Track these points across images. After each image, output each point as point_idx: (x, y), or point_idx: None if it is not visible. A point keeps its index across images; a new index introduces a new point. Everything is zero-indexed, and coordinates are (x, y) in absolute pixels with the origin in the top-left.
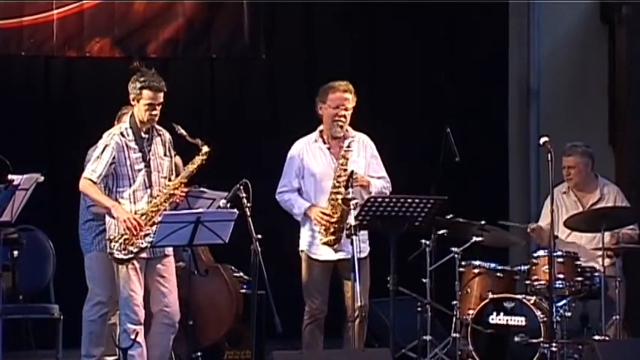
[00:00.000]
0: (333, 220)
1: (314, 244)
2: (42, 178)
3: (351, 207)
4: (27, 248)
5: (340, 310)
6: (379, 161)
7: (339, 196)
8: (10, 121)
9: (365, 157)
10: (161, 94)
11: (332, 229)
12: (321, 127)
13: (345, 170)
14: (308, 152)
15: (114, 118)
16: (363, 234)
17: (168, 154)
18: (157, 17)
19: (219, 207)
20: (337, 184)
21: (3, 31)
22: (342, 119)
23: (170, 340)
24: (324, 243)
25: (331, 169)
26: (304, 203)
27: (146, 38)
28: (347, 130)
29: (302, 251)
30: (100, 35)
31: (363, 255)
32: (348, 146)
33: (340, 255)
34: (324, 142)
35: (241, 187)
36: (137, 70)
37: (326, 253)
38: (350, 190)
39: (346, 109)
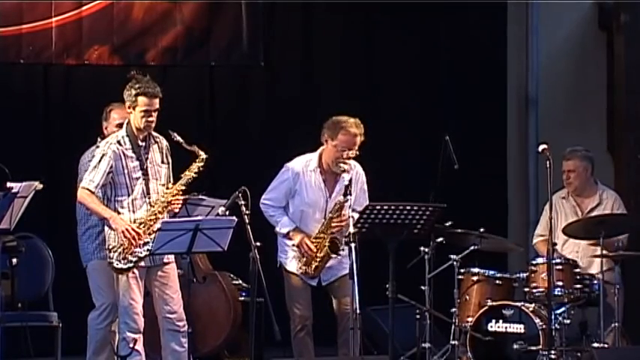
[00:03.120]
0: (317, 257)
1: (292, 263)
2: (41, 186)
3: (338, 254)
4: (26, 256)
5: (332, 319)
6: (366, 195)
7: (327, 238)
8: (9, 128)
9: (355, 191)
10: (157, 100)
11: (314, 265)
12: (320, 157)
13: (339, 216)
14: (304, 178)
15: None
16: (344, 254)
17: (165, 160)
18: (156, 25)
19: (217, 214)
20: (327, 227)
21: (2, 39)
22: (347, 160)
23: (181, 344)
24: (303, 272)
25: (322, 199)
26: (288, 225)
27: (145, 46)
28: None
29: (280, 264)
30: (99, 43)
31: (345, 272)
32: (347, 189)
33: (315, 283)
34: (321, 174)
35: (240, 195)
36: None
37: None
38: (349, 197)
39: (353, 151)
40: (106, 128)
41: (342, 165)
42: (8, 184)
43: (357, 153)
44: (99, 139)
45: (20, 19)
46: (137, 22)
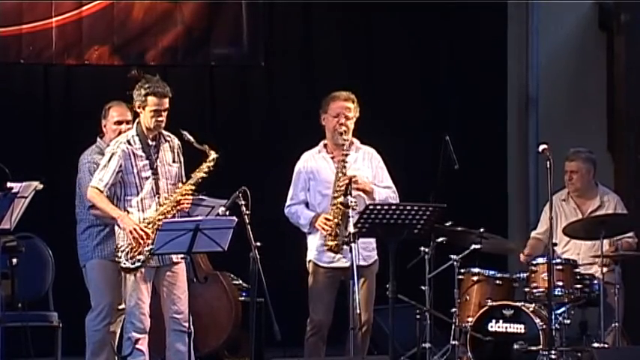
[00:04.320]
0: (335, 223)
1: (322, 253)
2: (41, 186)
3: (350, 209)
4: (26, 256)
5: (343, 319)
6: (385, 172)
7: (340, 200)
8: (9, 128)
9: (371, 168)
10: (166, 100)
11: (334, 234)
12: (325, 141)
13: (345, 174)
14: (313, 164)
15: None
16: (370, 241)
17: (177, 160)
18: (156, 25)
19: (218, 214)
20: (338, 188)
21: (2, 39)
22: (344, 127)
23: (185, 344)
24: (329, 249)
25: (334, 176)
26: (310, 214)
27: (145, 46)
28: (352, 142)
29: (309, 261)
30: (99, 43)
31: (367, 262)
32: (347, 189)
33: (346, 262)
34: (328, 152)
35: (240, 195)
36: (135, 78)
37: (335, 260)
38: (349, 197)
39: (347, 118)
40: (104, 126)
41: (340, 131)
42: (8, 184)
43: (355, 116)
44: (98, 139)
45: (20, 19)
46: (137, 22)
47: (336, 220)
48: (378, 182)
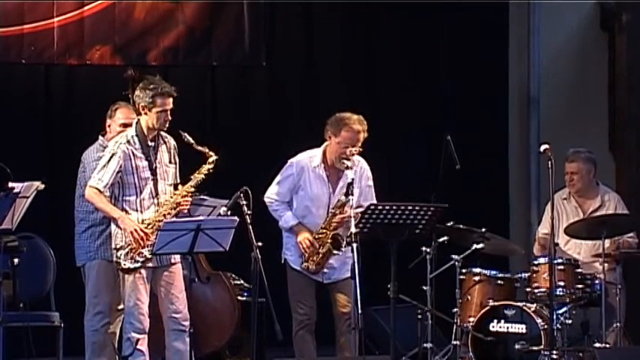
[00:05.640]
0: (317, 254)
1: (295, 259)
2: (42, 186)
3: (340, 250)
4: (27, 256)
5: (331, 319)
6: (372, 190)
7: (329, 235)
8: (11, 128)
9: (360, 187)
10: (171, 99)
11: (314, 259)
12: (324, 148)
13: (342, 212)
14: (307, 174)
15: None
16: (349, 256)
17: (173, 160)
18: (158, 25)
19: (219, 215)
20: (329, 223)
21: (4, 39)
22: (350, 157)
23: (185, 344)
24: (304, 267)
25: (325, 196)
26: (292, 220)
27: (147, 46)
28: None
29: (284, 260)
30: (101, 43)
31: (348, 275)
32: (349, 189)
33: (319, 279)
34: (325, 170)
35: (242, 195)
36: (131, 78)
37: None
38: (350, 197)
39: (356, 148)
40: (109, 126)
41: (345, 162)
42: (10, 184)
43: (360, 149)
44: (100, 136)
45: (22, 19)
46: (139, 22)
47: (319, 251)
48: (364, 201)
